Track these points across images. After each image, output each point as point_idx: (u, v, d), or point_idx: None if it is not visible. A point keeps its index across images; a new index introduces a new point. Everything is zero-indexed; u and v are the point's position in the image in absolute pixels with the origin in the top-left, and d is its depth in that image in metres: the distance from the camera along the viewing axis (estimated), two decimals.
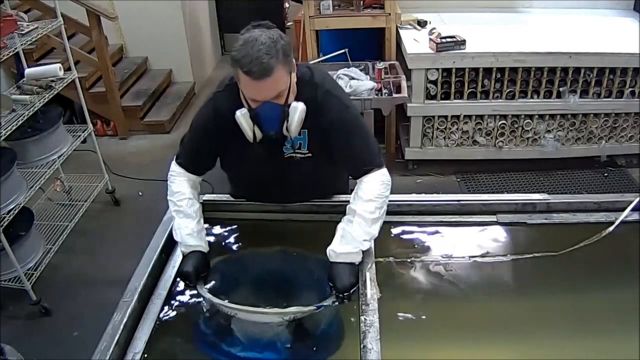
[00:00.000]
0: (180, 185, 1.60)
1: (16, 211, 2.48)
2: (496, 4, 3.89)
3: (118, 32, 4.60)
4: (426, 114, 3.39)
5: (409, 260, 1.60)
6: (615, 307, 1.45)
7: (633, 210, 1.66)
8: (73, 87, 3.01)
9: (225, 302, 1.38)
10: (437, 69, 3.22)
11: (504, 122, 3.40)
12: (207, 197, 1.75)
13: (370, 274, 1.45)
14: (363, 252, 1.46)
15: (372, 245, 1.51)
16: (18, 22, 2.70)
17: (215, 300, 1.40)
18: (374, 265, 1.49)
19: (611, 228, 1.60)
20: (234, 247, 1.70)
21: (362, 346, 1.26)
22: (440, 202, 1.76)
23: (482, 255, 1.61)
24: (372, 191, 1.49)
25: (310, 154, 1.60)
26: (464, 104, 3.33)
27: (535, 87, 3.29)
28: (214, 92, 1.58)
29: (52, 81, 2.83)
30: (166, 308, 1.46)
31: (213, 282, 1.53)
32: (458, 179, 3.53)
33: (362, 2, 3.49)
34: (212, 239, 1.67)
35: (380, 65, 3.32)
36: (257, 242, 1.72)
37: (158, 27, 4.57)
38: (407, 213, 1.76)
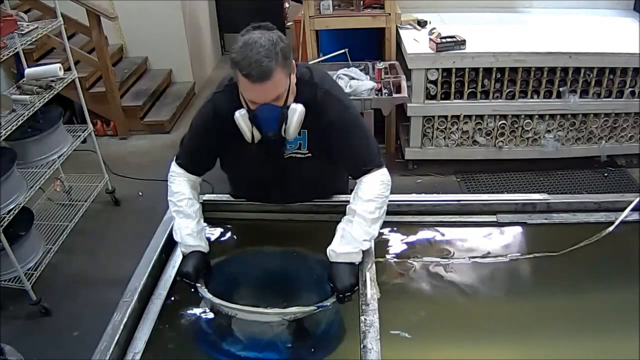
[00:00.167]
0: (180, 185, 1.60)
1: (16, 211, 2.48)
2: (496, 4, 3.88)
3: (118, 32, 4.60)
4: (426, 114, 3.39)
5: (409, 260, 1.60)
6: (616, 307, 1.45)
7: (633, 210, 1.66)
8: (73, 87, 3.00)
9: (226, 303, 1.38)
10: (437, 69, 3.22)
11: (504, 122, 3.40)
12: (207, 197, 1.75)
13: (370, 274, 1.45)
14: (363, 252, 1.46)
15: (372, 245, 1.51)
16: (18, 22, 2.70)
17: (216, 300, 1.40)
18: (374, 265, 1.49)
19: (611, 228, 1.60)
20: (234, 247, 1.70)
21: (362, 346, 1.26)
22: (440, 202, 1.76)
23: (482, 256, 1.61)
24: (372, 191, 1.49)
25: (310, 154, 1.60)
26: (464, 104, 3.33)
27: (535, 87, 3.29)
28: (213, 93, 1.58)
29: (52, 81, 2.83)
30: (166, 308, 1.46)
31: (213, 282, 1.52)
32: (458, 179, 3.53)
33: (362, 2, 3.49)
34: (212, 238, 1.67)
35: (380, 65, 3.32)
36: (257, 242, 1.71)
37: (158, 27, 4.57)
38: (407, 213, 1.76)
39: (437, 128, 3.45)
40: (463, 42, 3.19)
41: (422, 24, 3.55)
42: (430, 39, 3.24)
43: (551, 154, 3.47)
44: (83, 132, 3.12)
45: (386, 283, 1.47)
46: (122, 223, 3.27)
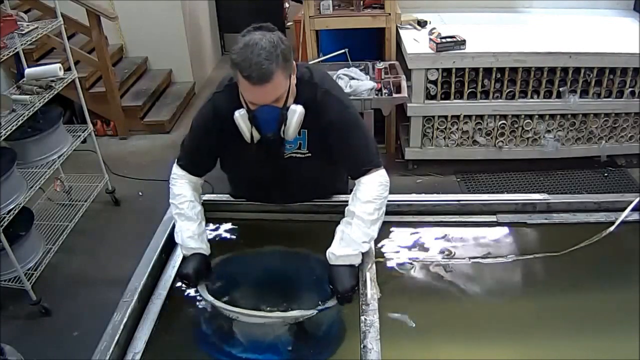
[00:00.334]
0: (182, 188, 1.60)
1: (16, 211, 2.48)
2: (496, 4, 3.88)
3: (118, 32, 4.60)
4: (426, 114, 3.39)
5: (409, 260, 1.60)
6: (616, 307, 1.45)
7: (633, 210, 1.66)
8: (73, 87, 3.01)
9: (227, 306, 1.38)
10: (437, 69, 3.22)
11: (504, 122, 3.40)
12: (207, 197, 1.75)
13: (370, 274, 1.45)
14: (362, 253, 1.46)
15: (372, 246, 1.51)
16: (18, 22, 2.70)
17: (217, 303, 1.40)
18: (374, 265, 1.49)
19: (611, 228, 1.60)
20: (234, 247, 1.70)
21: (362, 346, 1.26)
22: (440, 202, 1.76)
23: (482, 256, 1.61)
24: (370, 193, 1.49)
25: (310, 154, 1.60)
26: (464, 104, 3.33)
27: (535, 87, 3.29)
28: (213, 93, 1.58)
29: (52, 81, 2.83)
30: (166, 308, 1.46)
31: (213, 282, 1.52)
32: (458, 179, 3.53)
33: (362, 2, 3.49)
34: (212, 238, 1.67)
35: (380, 65, 3.32)
36: (257, 242, 1.71)
37: (158, 27, 4.57)
38: (407, 213, 1.76)
39: (437, 128, 3.45)
40: (463, 42, 3.19)
41: (422, 24, 3.55)
42: (430, 39, 3.24)
43: (551, 154, 3.47)
44: (83, 132, 3.12)
45: (386, 283, 1.47)
46: (122, 223, 3.27)
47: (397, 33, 3.53)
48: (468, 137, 3.47)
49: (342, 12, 3.53)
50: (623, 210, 1.66)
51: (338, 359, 1.34)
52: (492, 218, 1.73)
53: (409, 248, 1.65)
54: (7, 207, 2.44)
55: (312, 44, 3.60)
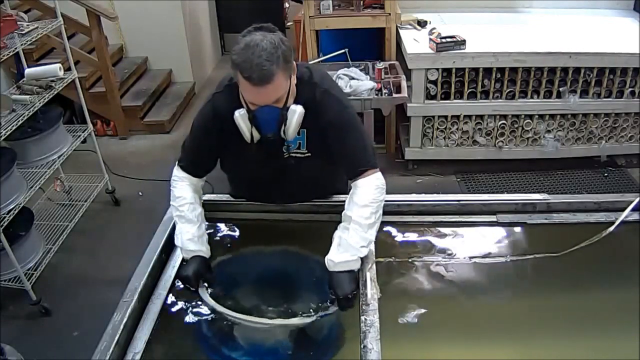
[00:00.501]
0: (182, 190, 1.60)
1: (16, 211, 2.48)
2: (496, 4, 3.88)
3: (118, 32, 4.60)
4: (426, 114, 3.39)
5: (409, 260, 1.60)
6: (616, 307, 1.45)
7: (633, 210, 1.66)
8: (73, 87, 3.00)
9: (229, 311, 1.38)
10: (437, 69, 3.22)
11: (504, 122, 3.39)
12: (207, 197, 1.75)
13: (370, 274, 1.45)
14: (361, 258, 1.45)
15: (372, 246, 1.51)
16: (18, 22, 2.70)
17: (219, 308, 1.40)
18: (374, 265, 1.49)
19: (611, 228, 1.60)
20: (234, 247, 1.70)
21: (362, 346, 1.26)
22: (440, 202, 1.76)
23: (483, 256, 1.61)
24: (367, 196, 1.48)
25: (309, 154, 1.60)
26: (464, 104, 3.33)
27: (535, 87, 3.29)
28: (213, 93, 1.58)
29: (52, 81, 2.83)
30: (166, 308, 1.46)
31: (213, 283, 1.52)
32: (458, 179, 3.53)
33: (362, 2, 3.49)
34: (212, 238, 1.67)
35: (380, 65, 3.32)
36: (257, 242, 1.71)
37: (158, 27, 4.57)
38: (407, 213, 1.76)
39: (437, 128, 3.45)
40: (463, 42, 3.19)
41: (422, 24, 3.55)
42: (430, 39, 3.24)
43: (551, 154, 3.47)
44: (83, 132, 3.12)
45: (386, 283, 1.47)
46: (122, 223, 3.27)
47: (397, 33, 3.53)
48: (468, 137, 3.47)
49: (342, 12, 3.53)
50: (623, 210, 1.66)
51: (338, 359, 1.34)
52: (492, 218, 1.73)
53: (409, 248, 1.65)
54: (7, 207, 2.43)
55: (312, 44, 3.60)
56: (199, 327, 1.45)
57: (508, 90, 3.28)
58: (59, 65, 2.88)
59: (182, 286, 1.49)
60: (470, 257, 1.61)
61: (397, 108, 3.48)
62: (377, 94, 3.16)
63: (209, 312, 1.46)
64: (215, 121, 1.55)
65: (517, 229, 1.71)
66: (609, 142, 3.50)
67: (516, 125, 3.41)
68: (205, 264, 1.51)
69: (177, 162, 1.65)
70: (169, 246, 1.62)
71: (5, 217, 2.40)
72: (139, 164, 3.87)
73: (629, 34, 3.41)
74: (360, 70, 3.37)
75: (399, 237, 1.69)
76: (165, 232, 1.63)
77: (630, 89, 3.26)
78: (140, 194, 3.53)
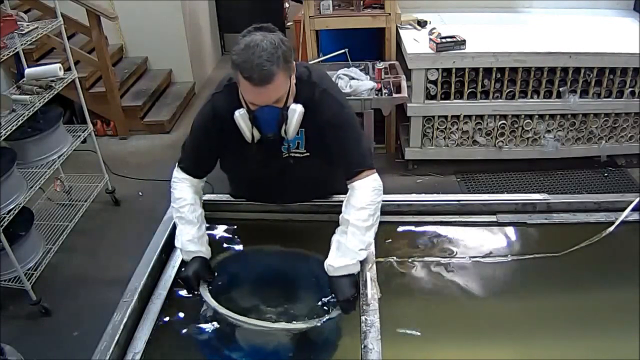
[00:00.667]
0: (182, 191, 1.60)
1: (16, 211, 2.48)
2: (496, 4, 3.88)
3: (118, 32, 4.60)
4: (426, 114, 3.39)
5: (409, 260, 1.60)
6: (616, 307, 1.45)
7: (633, 210, 1.66)
8: (73, 87, 3.00)
9: (231, 313, 1.38)
10: (437, 69, 3.22)
11: (504, 122, 3.39)
12: (207, 197, 1.75)
13: (370, 274, 1.45)
14: (361, 261, 1.45)
15: (372, 246, 1.51)
16: (18, 22, 2.70)
17: (221, 310, 1.39)
18: (374, 265, 1.48)
19: (611, 228, 1.60)
20: (234, 247, 1.70)
21: (362, 346, 1.26)
22: (440, 202, 1.76)
23: (483, 256, 1.61)
24: (364, 199, 1.48)
25: (308, 154, 1.60)
26: (464, 104, 3.33)
27: (535, 87, 3.29)
28: (212, 94, 1.58)
29: (52, 81, 2.83)
30: (166, 308, 1.46)
31: (213, 282, 1.52)
32: (458, 179, 3.53)
33: (362, 2, 3.49)
34: (212, 238, 1.67)
35: (380, 65, 3.32)
36: (257, 242, 1.71)
37: (158, 27, 4.57)
38: (407, 213, 1.76)
39: (437, 128, 3.45)
40: (463, 42, 3.19)
41: (422, 24, 3.55)
42: (430, 39, 3.24)
43: (551, 154, 3.47)
44: (83, 132, 3.12)
45: (386, 283, 1.47)
46: (122, 223, 3.27)
47: (397, 33, 3.53)
48: (468, 137, 3.47)
49: (342, 12, 3.53)
50: (623, 210, 1.66)
51: (338, 359, 1.34)
52: (492, 218, 1.73)
53: (409, 248, 1.65)
54: (7, 207, 2.43)
55: (312, 44, 3.60)
56: (201, 328, 1.44)
57: (508, 90, 3.28)
58: (59, 65, 2.88)
59: (183, 288, 1.49)
60: (471, 257, 1.61)
61: (397, 108, 3.48)
62: (377, 94, 3.16)
63: (210, 313, 1.45)
64: (215, 121, 1.55)
65: (517, 229, 1.71)
66: (609, 142, 3.49)
67: (516, 125, 3.41)
68: (206, 265, 1.51)
69: (177, 164, 1.65)
70: (169, 246, 1.62)
71: (5, 217, 2.40)
72: (139, 164, 3.87)
73: (629, 34, 3.41)
74: (360, 70, 3.37)
75: (399, 237, 1.69)
76: (165, 232, 1.63)
77: (630, 89, 3.26)
78: (140, 194, 3.53)
